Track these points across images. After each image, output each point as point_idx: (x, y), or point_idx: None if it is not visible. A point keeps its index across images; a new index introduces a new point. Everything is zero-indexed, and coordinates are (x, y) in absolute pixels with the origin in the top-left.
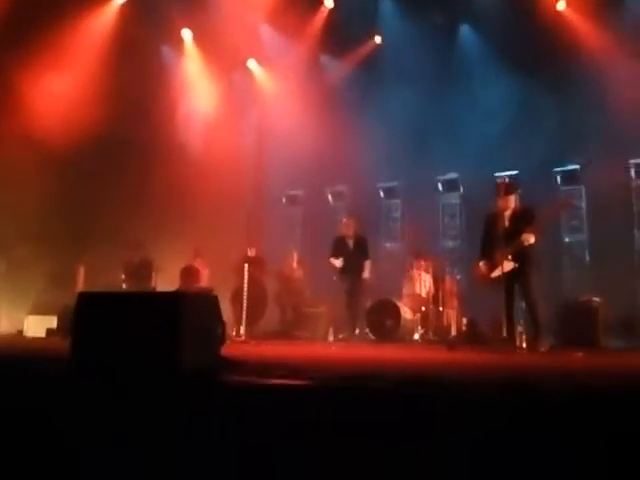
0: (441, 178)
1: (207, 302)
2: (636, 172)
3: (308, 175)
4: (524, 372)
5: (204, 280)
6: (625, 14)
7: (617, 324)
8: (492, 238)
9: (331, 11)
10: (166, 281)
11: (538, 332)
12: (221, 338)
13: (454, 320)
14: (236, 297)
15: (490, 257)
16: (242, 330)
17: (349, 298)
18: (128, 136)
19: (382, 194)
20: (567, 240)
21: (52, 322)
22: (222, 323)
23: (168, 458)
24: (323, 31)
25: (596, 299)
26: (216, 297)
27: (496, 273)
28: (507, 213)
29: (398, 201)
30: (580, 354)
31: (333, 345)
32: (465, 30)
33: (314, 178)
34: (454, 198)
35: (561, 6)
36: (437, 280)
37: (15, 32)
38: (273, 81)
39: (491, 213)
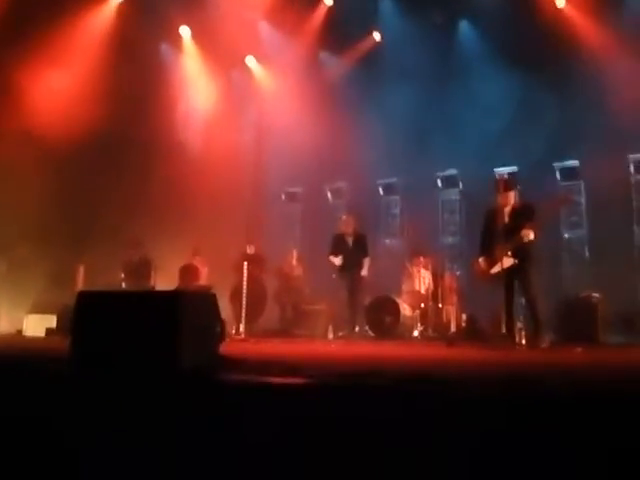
0: (440, 174)
1: (206, 300)
2: (635, 167)
3: (307, 172)
4: (523, 369)
5: (203, 278)
6: (624, 11)
7: (617, 320)
8: (492, 234)
9: (330, 8)
10: (165, 279)
11: (538, 328)
12: (220, 336)
13: (453, 316)
14: (235, 295)
15: (490, 253)
16: (242, 328)
17: (349, 295)
18: (127, 134)
19: (381, 191)
20: (567, 236)
21: (52, 321)
22: (221, 321)
23: (167, 457)
24: (322, 28)
25: (596, 295)
26: (215, 295)
27: (496, 269)
28: (507, 209)
29: (397, 197)
30: (580, 350)
31: (333, 342)
32: (464, 27)
33: (313, 175)
34: (453, 194)
35: (560, 3)
36: (436, 276)
37: (14, 30)
38: (272, 78)
39: (491, 209)
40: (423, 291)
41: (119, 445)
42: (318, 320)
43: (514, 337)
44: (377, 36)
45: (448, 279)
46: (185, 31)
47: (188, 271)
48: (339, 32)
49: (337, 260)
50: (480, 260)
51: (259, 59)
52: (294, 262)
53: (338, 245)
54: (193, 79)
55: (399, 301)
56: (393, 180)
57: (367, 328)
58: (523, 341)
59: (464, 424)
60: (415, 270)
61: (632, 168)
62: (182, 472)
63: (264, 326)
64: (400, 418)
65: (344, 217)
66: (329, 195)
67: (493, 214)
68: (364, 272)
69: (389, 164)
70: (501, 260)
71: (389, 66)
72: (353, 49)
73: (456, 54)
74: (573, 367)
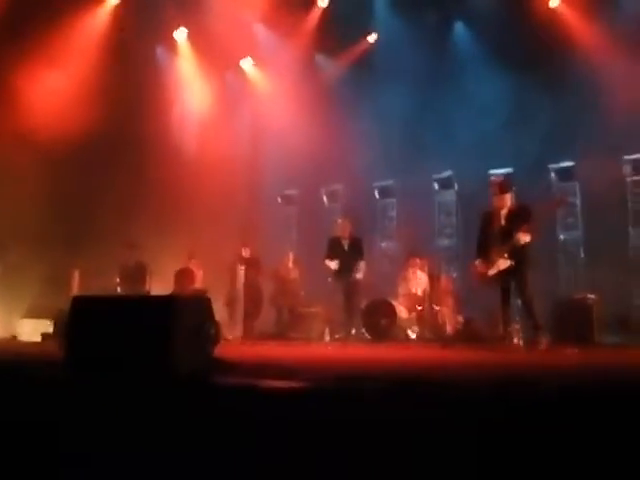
0: (436, 176)
1: (200, 304)
2: (630, 169)
3: (303, 175)
4: (519, 370)
5: (199, 282)
6: (619, 11)
7: (612, 320)
8: (488, 237)
9: (325, 10)
10: (161, 283)
11: (537, 329)
12: (214, 340)
13: (450, 318)
14: (231, 298)
15: (486, 256)
16: (238, 331)
17: (345, 299)
18: (122, 137)
19: (377, 193)
20: (562, 237)
21: (47, 326)
22: (215, 324)
23: (162, 461)
24: (318, 30)
25: (591, 296)
26: (209, 299)
27: (492, 271)
28: (503, 211)
29: (394, 200)
30: (575, 351)
31: (329, 345)
32: (459, 28)
33: (309, 178)
34: (449, 196)
35: (554, 3)
36: (433, 279)
37: (10, 31)
38: (268, 80)
39: (487, 211)
40: (419, 293)
41: (113, 450)
42: (314, 323)
43: (511, 339)
44: (372, 38)
45: (444, 281)
46: (180, 34)
47: (183, 275)
48: (334, 34)
49: (333, 265)
50: (477, 263)
51: (255, 61)
52: (290, 265)
53: (334, 248)
54: (188, 81)
55: (395, 303)
56: (389, 182)
57: (363, 330)
58: (520, 342)
59: (460, 426)
60: (411, 272)
61: (627, 169)
62: (177, 476)
63: (260, 329)
64: (396, 421)
65: (340, 221)
66: (325, 198)
67: (489, 216)
68: (360, 275)
69: (385, 166)
70: (497, 262)
71: (384, 68)
72: (348, 51)
73: (451, 56)
74: (569, 368)
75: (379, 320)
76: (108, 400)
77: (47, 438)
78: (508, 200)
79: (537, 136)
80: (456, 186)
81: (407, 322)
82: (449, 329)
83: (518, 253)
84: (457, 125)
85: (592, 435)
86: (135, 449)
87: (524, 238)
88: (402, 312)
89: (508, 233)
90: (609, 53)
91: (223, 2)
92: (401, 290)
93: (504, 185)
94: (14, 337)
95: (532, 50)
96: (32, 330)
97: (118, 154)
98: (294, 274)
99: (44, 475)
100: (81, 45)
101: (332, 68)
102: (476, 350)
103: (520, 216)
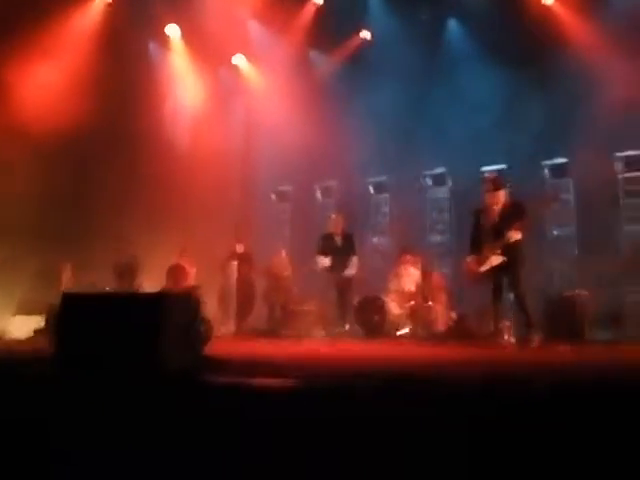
0: (430, 173)
1: (190, 301)
2: (622, 165)
3: (297, 171)
4: (512, 368)
5: (191, 279)
6: (611, 8)
7: (603, 317)
8: (481, 233)
9: (319, 6)
10: (153, 280)
11: (530, 327)
12: (205, 337)
13: (442, 315)
14: (224, 294)
15: (479, 252)
16: (230, 328)
17: (338, 295)
18: (115, 132)
19: (371, 189)
20: (555, 233)
21: (39, 322)
22: (206, 322)
23: (151, 459)
24: (311, 26)
25: (583, 292)
26: (200, 296)
27: (484, 268)
28: (497, 208)
29: (387, 195)
30: (566, 347)
31: (322, 342)
32: (452, 25)
33: (303, 174)
34: (443, 192)
35: (547, 0)
36: (425, 275)
37: (1, 26)
38: (261, 76)
39: (480, 208)
40: (412, 289)
41: (102, 447)
42: (307, 320)
43: (502, 335)
44: (366, 34)
45: (436, 277)
46: (173, 29)
47: (176, 272)
48: (328, 30)
49: (325, 262)
50: (469, 259)
51: (248, 57)
52: (283, 262)
53: (326, 244)
54: (182, 77)
55: (387, 300)
56: (383, 178)
57: (356, 327)
58: (512, 339)
59: (451, 424)
60: (403, 269)
61: (619, 166)
62: (166, 474)
63: (253, 326)
64: (387, 419)
65: (333, 216)
66: (319, 194)
67: (482, 213)
68: (352, 271)
69: (379, 162)
70: (490, 259)
71: (378, 64)
72: (342, 47)
73: (444, 52)
74: (561, 365)
75: (372, 316)
76: (97, 398)
77: (35, 436)
78: (502, 197)
79: (530, 133)
80: (450, 183)
81: (399, 318)
82: (441, 326)
83: (510, 250)
84: (450, 122)
85: (583, 432)
86: (124, 447)
87: (515, 235)
88: (394, 308)
89: (501, 230)
90: (602, 50)
91: None
92: (393, 286)
93: (497, 182)
94: (4, 333)
95: (525, 47)
96: (24, 326)
97: (110, 149)
98: (287, 271)
99: (33, 472)
100: (73, 40)
101: (326, 64)
102: (468, 347)
103: (513, 213)
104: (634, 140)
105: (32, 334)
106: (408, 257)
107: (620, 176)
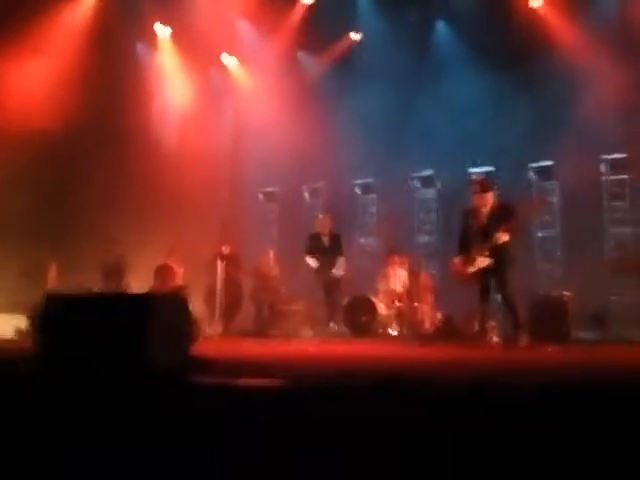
0: (417, 175)
1: (177, 301)
2: (607, 168)
3: (285, 172)
4: (499, 368)
5: (179, 279)
6: (597, 11)
7: (588, 317)
8: (469, 235)
9: (308, 7)
10: (140, 279)
11: (518, 327)
12: (192, 337)
13: (429, 315)
14: (211, 295)
15: (467, 253)
16: (217, 328)
17: (325, 295)
18: (102, 130)
19: (358, 191)
20: (540, 235)
21: (22, 321)
22: (193, 322)
23: (137, 460)
24: (300, 27)
25: (567, 293)
26: (187, 296)
27: (472, 269)
28: (485, 210)
29: (374, 196)
30: (552, 348)
31: (310, 342)
32: (441, 27)
33: (291, 175)
34: (429, 194)
35: (534, 3)
36: (412, 275)
37: None
38: (250, 77)
39: (469, 209)
40: (399, 290)
41: (89, 447)
42: (294, 320)
43: (489, 336)
44: (355, 36)
45: (424, 278)
46: (161, 28)
47: (163, 272)
48: (317, 31)
49: (313, 262)
50: (456, 260)
51: (237, 58)
52: (271, 262)
53: (314, 244)
54: (170, 76)
55: (375, 300)
56: (370, 180)
57: (344, 327)
58: (497, 340)
59: (439, 425)
60: (391, 269)
61: (604, 168)
62: (153, 475)
63: (240, 326)
64: (375, 419)
65: (321, 216)
66: (306, 195)
67: (470, 214)
68: (340, 271)
69: (366, 164)
70: (477, 260)
71: (366, 66)
72: (331, 49)
73: (432, 55)
74: (548, 366)
75: (360, 317)
76: (82, 398)
77: (19, 436)
78: (489, 199)
79: (517, 135)
80: (438, 184)
81: (387, 318)
82: (428, 326)
83: (498, 252)
84: (438, 124)
85: (570, 433)
86: (111, 447)
87: (503, 237)
88: (382, 309)
89: (489, 232)
90: (588, 53)
91: None
92: (381, 287)
93: (485, 184)
94: None
95: (513, 50)
96: (6, 325)
97: (98, 147)
98: (274, 271)
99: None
100: (62, 36)
101: (314, 66)
102: (455, 347)
103: (502, 215)
104: (619, 143)
105: (15, 334)
106: (396, 258)
107: (605, 178)
